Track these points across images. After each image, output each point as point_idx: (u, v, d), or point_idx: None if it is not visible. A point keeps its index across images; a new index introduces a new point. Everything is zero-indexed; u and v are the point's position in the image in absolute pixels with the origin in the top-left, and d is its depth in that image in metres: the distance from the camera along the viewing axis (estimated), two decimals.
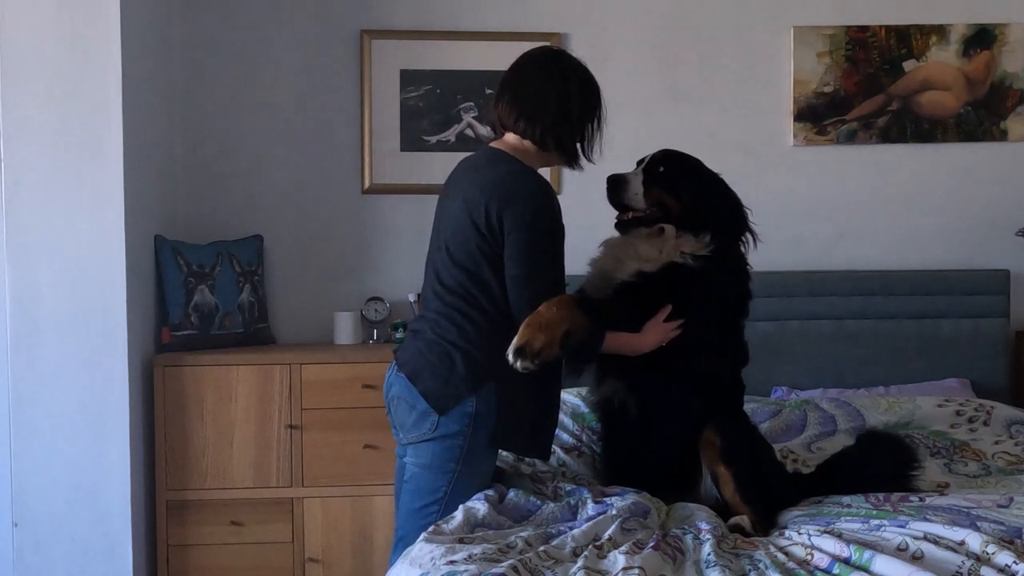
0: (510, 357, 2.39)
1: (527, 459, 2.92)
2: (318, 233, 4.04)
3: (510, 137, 2.64)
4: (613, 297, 2.67)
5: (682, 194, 2.72)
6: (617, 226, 2.79)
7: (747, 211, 2.78)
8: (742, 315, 2.82)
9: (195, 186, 3.98)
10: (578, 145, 2.66)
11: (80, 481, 3.35)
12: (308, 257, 4.04)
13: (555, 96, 2.60)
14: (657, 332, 2.63)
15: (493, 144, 2.68)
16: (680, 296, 2.64)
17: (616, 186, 2.74)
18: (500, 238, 2.50)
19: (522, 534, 2.32)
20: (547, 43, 3.93)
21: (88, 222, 3.32)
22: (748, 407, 3.21)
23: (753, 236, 2.78)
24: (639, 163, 2.81)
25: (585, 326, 2.46)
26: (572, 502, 2.56)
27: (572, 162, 2.69)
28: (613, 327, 2.57)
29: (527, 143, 2.62)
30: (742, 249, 2.78)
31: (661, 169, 2.76)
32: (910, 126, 4.10)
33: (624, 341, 2.61)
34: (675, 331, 2.64)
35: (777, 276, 3.92)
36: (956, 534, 2.24)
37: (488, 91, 4.00)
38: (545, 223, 2.51)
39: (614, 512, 2.45)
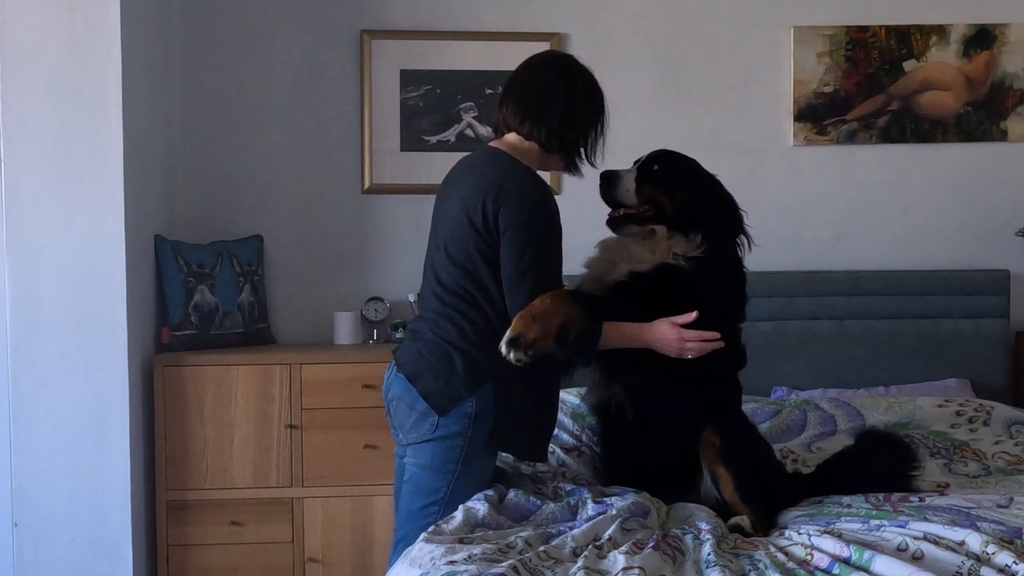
0: (503, 348, 2.39)
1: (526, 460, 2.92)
2: (318, 233, 4.04)
3: (511, 137, 2.64)
4: (608, 295, 2.67)
5: (674, 192, 2.71)
6: (608, 223, 2.79)
7: (742, 213, 2.77)
8: (738, 318, 2.81)
9: (195, 186, 3.98)
10: (581, 149, 2.67)
11: (80, 481, 3.35)
12: (308, 257, 4.04)
13: (561, 99, 2.61)
14: (668, 333, 2.56)
15: (492, 144, 2.68)
16: (673, 297, 2.63)
17: (609, 182, 2.75)
18: (496, 236, 2.50)
19: (522, 534, 2.32)
20: (547, 44, 3.95)
21: (88, 222, 3.32)
22: (748, 407, 3.22)
23: (748, 238, 2.78)
24: (636, 162, 2.82)
25: (581, 318, 2.45)
26: (572, 502, 2.56)
27: (572, 166, 2.70)
28: (609, 319, 2.55)
29: (529, 144, 2.62)
30: (738, 252, 2.77)
31: (655, 168, 2.76)
32: (910, 126, 4.10)
33: (620, 333, 2.55)
34: (697, 345, 2.55)
35: (777, 276, 3.92)
36: (956, 534, 2.24)
37: (488, 91, 4.00)
38: (541, 221, 2.51)
39: (614, 512, 2.45)
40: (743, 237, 2.77)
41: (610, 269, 2.73)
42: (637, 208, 2.73)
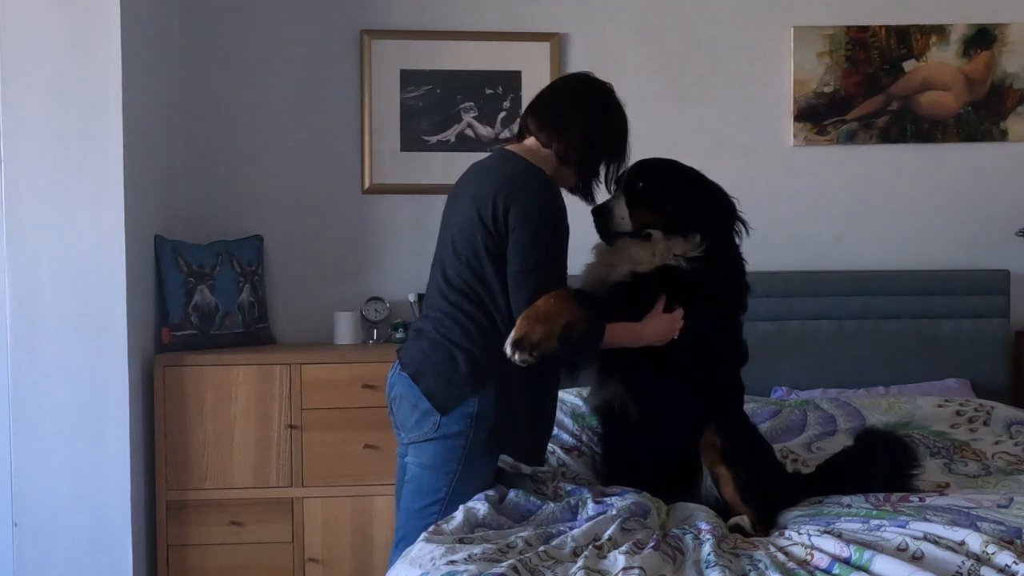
0: (508, 349, 2.39)
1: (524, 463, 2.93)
2: (318, 233, 4.04)
3: (529, 142, 2.66)
4: (609, 294, 2.67)
5: (667, 205, 2.69)
6: (604, 239, 2.78)
7: (734, 201, 2.75)
8: (740, 310, 2.80)
9: (195, 186, 3.98)
10: (598, 171, 2.69)
11: (80, 481, 3.35)
12: (308, 257, 4.04)
13: (588, 116, 2.63)
14: (660, 323, 2.62)
15: (508, 147, 2.70)
16: (676, 298, 2.64)
17: (602, 216, 2.73)
18: (505, 234, 2.50)
19: (522, 534, 2.32)
20: (547, 44, 3.95)
21: (88, 222, 3.32)
22: (748, 407, 3.21)
23: (744, 225, 2.76)
24: (617, 182, 2.78)
25: (585, 318, 2.46)
26: (572, 502, 2.57)
27: (585, 185, 2.70)
28: (612, 318, 2.55)
29: (546, 152, 2.63)
30: (735, 240, 2.75)
31: (641, 185, 2.73)
32: (910, 126, 4.10)
33: (625, 331, 2.58)
34: (679, 323, 2.62)
35: (777, 276, 3.92)
36: (956, 534, 2.24)
37: (488, 91, 4.01)
38: (549, 221, 2.51)
39: (614, 512, 2.45)
40: (739, 224, 2.76)
41: (610, 272, 2.72)
42: (634, 231, 2.72)
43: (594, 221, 2.74)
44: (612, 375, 2.75)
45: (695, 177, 2.76)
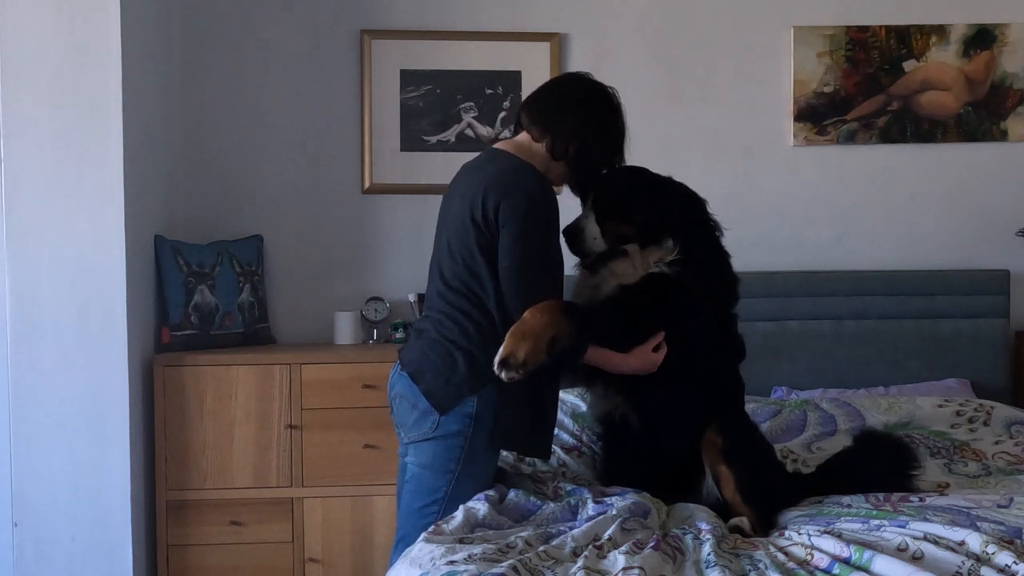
0: (495, 369, 2.39)
1: (527, 459, 2.93)
2: (318, 233, 4.04)
3: (522, 137, 2.66)
4: (602, 308, 2.65)
5: (637, 217, 2.67)
6: (585, 268, 2.77)
7: (703, 201, 2.73)
8: (732, 303, 2.79)
9: (195, 186, 3.98)
10: (590, 172, 2.67)
11: (80, 481, 3.35)
12: (308, 257, 4.04)
13: (583, 117, 2.61)
14: (645, 358, 2.62)
15: (497, 145, 2.70)
16: (667, 303, 2.63)
17: (575, 237, 2.69)
18: (496, 231, 2.50)
19: (522, 534, 2.32)
20: (547, 44, 3.94)
21: (88, 222, 3.32)
22: (748, 407, 3.21)
23: (715, 224, 2.74)
24: (587, 197, 2.76)
25: (571, 332, 2.45)
26: (572, 502, 2.57)
27: (578, 182, 2.68)
28: (600, 334, 2.55)
29: (537, 147, 2.62)
30: (714, 234, 2.73)
31: (607, 199, 2.70)
32: (910, 126, 4.10)
33: (606, 358, 2.59)
34: (660, 357, 2.61)
35: (777, 276, 3.92)
36: (956, 534, 2.24)
37: (488, 91, 4.01)
38: (539, 216, 2.51)
39: (614, 512, 2.45)
40: (711, 223, 2.74)
41: (596, 292, 2.71)
42: (609, 249, 2.71)
43: (566, 242, 2.70)
44: (611, 386, 2.73)
45: (660, 182, 2.74)
